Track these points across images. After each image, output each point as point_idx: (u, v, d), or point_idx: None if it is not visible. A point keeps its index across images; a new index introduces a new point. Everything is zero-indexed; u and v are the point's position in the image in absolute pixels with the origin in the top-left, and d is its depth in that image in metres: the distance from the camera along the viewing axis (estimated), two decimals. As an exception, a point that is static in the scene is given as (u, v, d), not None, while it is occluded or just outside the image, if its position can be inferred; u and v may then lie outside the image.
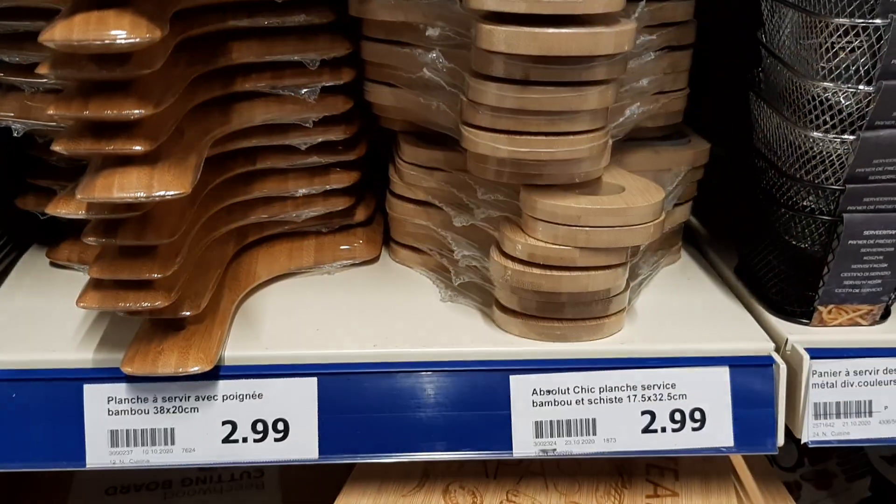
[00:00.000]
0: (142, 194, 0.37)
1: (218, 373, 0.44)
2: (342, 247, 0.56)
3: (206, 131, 0.45)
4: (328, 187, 0.53)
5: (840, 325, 0.48)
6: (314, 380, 0.44)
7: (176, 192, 0.38)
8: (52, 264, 0.56)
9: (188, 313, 0.44)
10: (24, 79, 0.48)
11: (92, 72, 0.36)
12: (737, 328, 0.48)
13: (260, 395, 0.44)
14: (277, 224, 0.55)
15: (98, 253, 0.43)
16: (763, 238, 0.49)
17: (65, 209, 0.40)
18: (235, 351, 0.46)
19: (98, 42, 0.34)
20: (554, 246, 0.44)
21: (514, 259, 0.45)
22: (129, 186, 0.38)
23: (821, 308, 0.47)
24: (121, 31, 0.34)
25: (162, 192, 0.38)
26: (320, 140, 0.51)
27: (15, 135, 0.48)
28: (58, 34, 0.34)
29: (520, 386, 0.45)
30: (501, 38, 0.40)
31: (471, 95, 0.43)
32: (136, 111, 0.37)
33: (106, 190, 0.37)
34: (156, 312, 0.43)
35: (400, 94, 0.50)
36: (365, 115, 0.54)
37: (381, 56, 0.50)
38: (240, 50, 0.47)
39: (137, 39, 0.34)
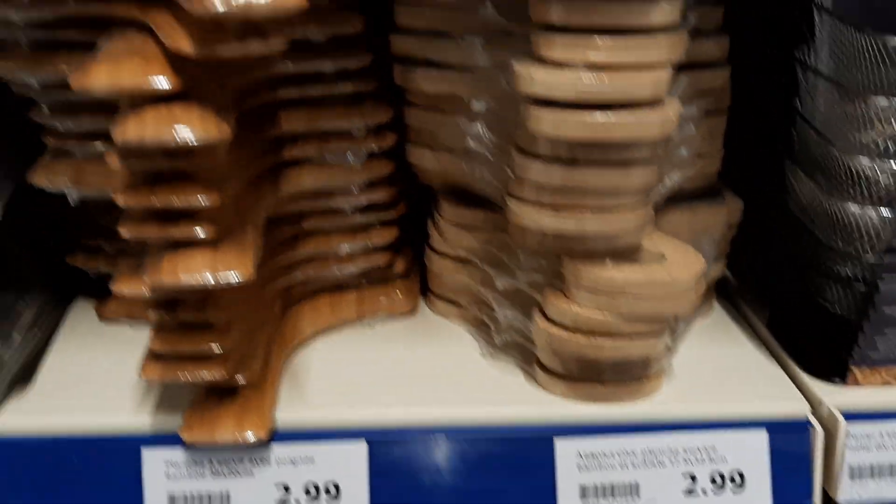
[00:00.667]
0: (207, 280, 0.39)
1: (271, 437, 0.46)
2: (382, 300, 0.57)
3: (260, 202, 0.47)
4: (370, 244, 0.55)
5: (874, 385, 0.49)
6: (364, 444, 0.46)
7: (240, 277, 0.39)
8: (101, 318, 0.57)
9: (244, 380, 0.46)
10: (77, 145, 0.49)
11: (160, 164, 0.38)
12: (773, 389, 0.49)
13: (312, 459, 0.46)
14: (320, 280, 0.56)
15: (157, 326, 0.44)
16: (797, 299, 0.50)
17: (128, 289, 0.41)
18: (287, 413, 0.47)
19: (171, 144, 0.35)
20: (598, 315, 0.45)
21: (557, 325, 0.47)
22: (194, 271, 0.39)
23: (855, 369, 0.48)
24: (191, 132, 0.35)
25: (226, 278, 0.39)
26: (365, 202, 0.53)
27: (71, 202, 0.49)
28: (131, 134, 0.35)
29: (565, 449, 0.46)
30: (549, 123, 0.41)
31: (516, 171, 0.44)
32: (203, 201, 0.38)
33: (172, 275, 0.39)
34: (215, 382, 0.44)
35: (442, 157, 0.51)
36: (401, 167, 0.55)
37: (424, 122, 0.51)
38: (289, 120, 0.49)
39: (208, 139, 0.36)
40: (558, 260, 0.47)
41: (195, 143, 0.35)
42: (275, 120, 0.48)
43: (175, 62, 0.36)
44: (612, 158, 0.42)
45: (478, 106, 0.46)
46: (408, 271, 0.59)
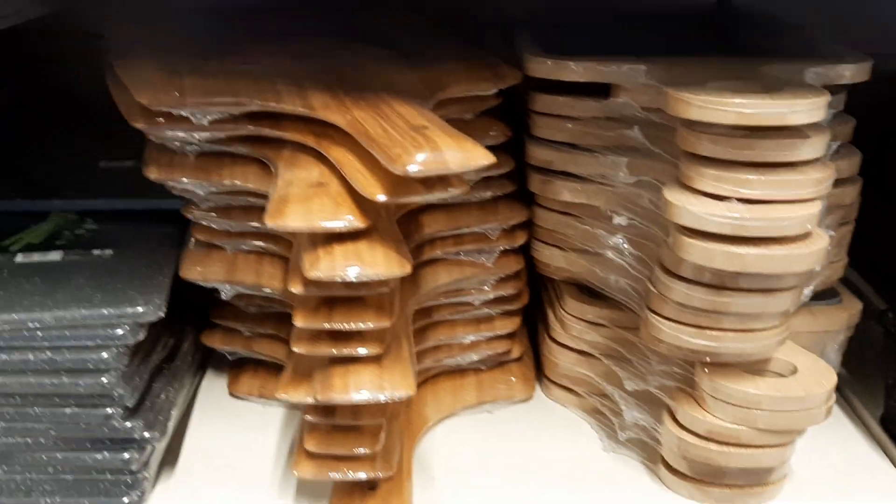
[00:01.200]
0: (378, 398, 0.41)
1: (414, 532, 0.48)
2: (501, 386, 0.59)
3: (405, 308, 0.49)
4: (494, 334, 0.57)
5: None
6: (500, 543, 0.48)
7: (406, 393, 0.42)
8: (232, 395, 0.60)
9: (386, 475, 0.48)
10: (227, 240, 0.52)
11: (339, 292, 0.40)
12: (889, 489, 0.51)
13: (451, 554, 0.48)
14: (441, 366, 0.58)
15: (311, 427, 0.46)
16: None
17: (294, 395, 0.44)
18: (425, 507, 0.49)
19: (361, 280, 0.38)
20: (731, 426, 0.47)
21: (688, 431, 0.48)
22: (364, 389, 0.41)
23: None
24: (377, 269, 0.38)
25: (394, 395, 0.41)
26: (493, 296, 0.55)
27: (223, 297, 0.52)
28: (323, 270, 0.38)
29: (695, 553, 0.48)
30: (699, 253, 0.43)
31: (658, 288, 0.46)
32: (375, 324, 0.41)
33: (343, 393, 0.41)
34: (365, 482, 0.47)
35: (572, 258, 0.53)
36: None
37: (556, 225, 0.53)
38: (430, 224, 0.51)
39: (393, 275, 0.38)
40: (690, 366, 0.49)
41: (381, 279, 0.38)
42: (418, 225, 0.51)
43: (360, 201, 0.39)
44: (759, 287, 0.43)
45: (618, 220, 0.48)
46: (522, 355, 0.61)
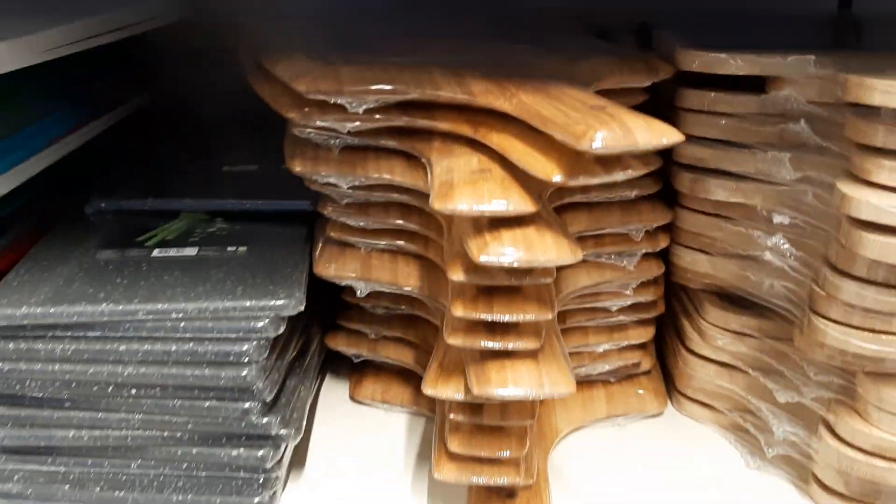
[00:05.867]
0: (539, 393, 0.39)
1: (555, 543, 0.46)
2: (631, 398, 0.57)
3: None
4: (627, 343, 0.55)
5: None
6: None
7: (566, 390, 0.40)
8: (353, 399, 0.59)
9: (527, 482, 0.46)
10: (362, 238, 0.51)
11: (501, 280, 0.39)
12: None
13: (595, 567, 0.46)
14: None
15: (454, 427, 0.45)
16: None
17: (443, 391, 0.42)
18: (563, 518, 0.47)
19: (532, 267, 0.36)
20: (898, 439, 0.44)
21: (850, 446, 0.45)
22: (523, 384, 0.40)
23: None
24: (551, 256, 0.36)
25: (555, 391, 0.40)
26: (630, 302, 0.53)
27: (358, 294, 0.51)
28: (492, 253, 0.37)
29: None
30: (875, 248, 0.40)
31: (826, 288, 0.43)
32: (537, 315, 0.39)
33: (502, 386, 0.40)
34: (510, 487, 0.45)
35: (719, 263, 0.51)
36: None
37: (703, 228, 0.51)
38: (572, 223, 0.49)
39: (565, 261, 0.37)
40: (850, 375, 0.46)
41: (552, 265, 0.36)
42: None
43: (526, 187, 0.38)
44: (941, 285, 0.41)
45: (779, 219, 0.46)
46: (651, 368, 0.59)
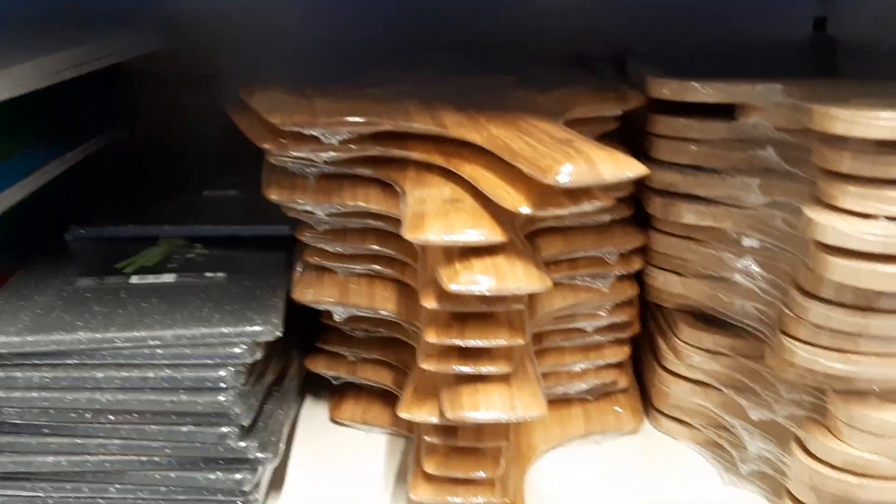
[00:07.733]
0: (511, 417, 0.40)
1: (531, 563, 0.46)
2: (608, 416, 0.57)
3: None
4: (603, 362, 0.56)
5: None
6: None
7: (536, 413, 0.40)
8: (333, 421, 0.59)
9: (503, 501, 0.47)
10: (340, 263, 0.52)
11: (474, 307, 0.39)
12: None
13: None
14: (548, 394, 0.57)
15: (429, 448, 0.45)
16: None
17: (417, 414, 0.43)
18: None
19: (502, 295, 0.37)
20: (866, 455, 0.45)
21: (821, 462, 0.46)
22: (495, 408, 0.40)
23: None
24: (520, 285, 0.37)
25: (526, 414, 0.40)
26: (606, 323, 0.54)
27: (337, 318, 0.52)
28: (462, 282, 0.37)
29: None
30: (843, 272, 0.41)
31: (794, 310, 0.44)
32: (510, 341, 0.40)
33: (474, 410, 0.40)
34: (484, 507, 0.45)
35: (691, 284, 0.52)
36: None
37: (675, 250, 0.52)
38: (546, 247, 0.50)
39: (533, 289, 0.37)
40: (820, 393, 0.47)
41: (523, 294, 0.37)
42: (534, 248, 0.50)
43: (496, 217, 0.38)
44: (904, 307, 0.41)
45: (748, 242, 0.46)
46: (628, 386, 0.60)
